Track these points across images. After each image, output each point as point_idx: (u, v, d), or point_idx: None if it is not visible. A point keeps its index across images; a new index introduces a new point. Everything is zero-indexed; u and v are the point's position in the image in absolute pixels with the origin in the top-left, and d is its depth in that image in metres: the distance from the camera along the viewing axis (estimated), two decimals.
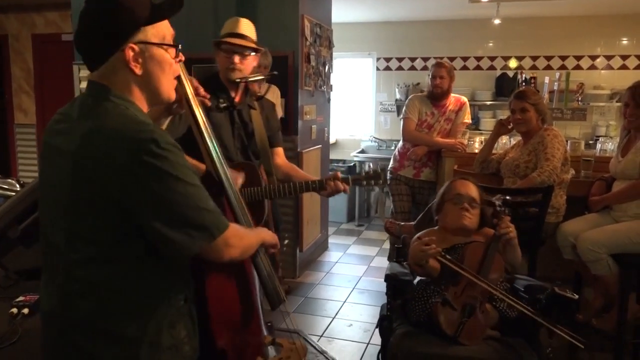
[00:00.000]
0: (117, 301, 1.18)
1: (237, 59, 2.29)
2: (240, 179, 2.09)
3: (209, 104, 1.55)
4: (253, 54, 2.35)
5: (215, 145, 1.56)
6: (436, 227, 2.34)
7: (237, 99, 2.38)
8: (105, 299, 1.18)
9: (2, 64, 5.92)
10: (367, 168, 2.48)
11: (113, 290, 1.18)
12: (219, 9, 4.15)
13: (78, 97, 1.26)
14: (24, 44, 5.82)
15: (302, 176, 2.48)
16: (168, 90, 1.28)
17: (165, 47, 1.23)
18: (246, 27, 2.35)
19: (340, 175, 2.23)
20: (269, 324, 1.75)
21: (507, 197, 2.29)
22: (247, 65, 2.35)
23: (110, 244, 1.16)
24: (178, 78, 1.46)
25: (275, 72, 2.72)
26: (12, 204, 2.11)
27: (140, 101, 1.25)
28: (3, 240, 2.66)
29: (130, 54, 1.18)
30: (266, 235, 1.57)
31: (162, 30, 1.23)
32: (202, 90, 1.51)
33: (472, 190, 2.29)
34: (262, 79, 2.67)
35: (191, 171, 1.19)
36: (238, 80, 2.33)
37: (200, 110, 1.53)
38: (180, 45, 1.27)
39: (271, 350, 1.62)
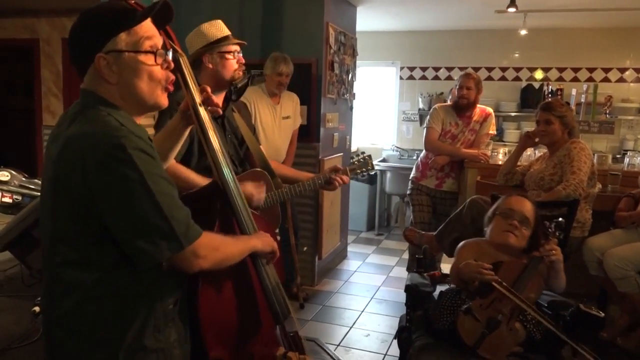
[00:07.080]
0: (94, 304, 1.19)
1: (241, 58, 2.24)
2: (262, 192, 1.90)
3: (220, 112, 1.52)
4: None
5: (224, 154, 1.49)
6: (484, 238, 2.26)
7: (221, 104, 2.24)
8: (83, 301, 1.18)
9: (33, 67, 6.05)
10: (355, 157, 2.44)
11: (90, 293, 1.18)
12: (244, 16, 4.18)
13: (73, 103, 1.26)
14: (54, 47, 5.93)
15: (292, 171, 2.53)
16: (151, 97, 1.23)
17: (139, 54, 1.19)
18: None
19: (339, 167, 2.33)
20: (291, 334, 1.69)
21: (561, 220, 2.21)
22: None
23: (87, 247, 1.17)
24: (185, 86, 1.43)
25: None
26: (37, 204, 2.15)
27: (128, 108, 1.23)
28: (28, 239, 2.72)
29: (101, 63, 1.18)
30: (257, 243, 1.47)
31: (139, 35, 1.19)
32: (213, 100, 1.47)
33: (527, 209, 2.18)
34: (252, 76, 2.51)
35: (161, 178, 1.16)
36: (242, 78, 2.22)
37: (207, 119, 1.46)
38: (158, 50, 1.21)
39: None
